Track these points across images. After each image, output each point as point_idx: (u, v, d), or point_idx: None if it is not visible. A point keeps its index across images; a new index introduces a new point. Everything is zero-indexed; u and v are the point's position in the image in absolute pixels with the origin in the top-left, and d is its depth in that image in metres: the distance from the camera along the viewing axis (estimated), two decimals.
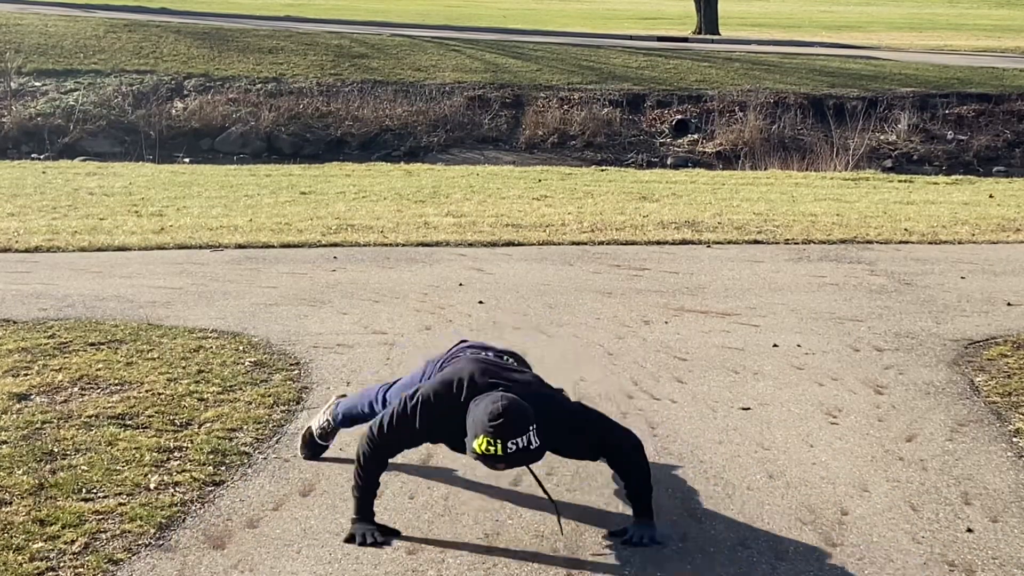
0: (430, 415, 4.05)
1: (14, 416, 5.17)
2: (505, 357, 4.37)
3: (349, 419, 4.73)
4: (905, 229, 10.31)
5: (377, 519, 4.21)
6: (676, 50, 25.37)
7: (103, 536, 4.06)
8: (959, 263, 8.90)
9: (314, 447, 4.82)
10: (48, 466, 4.62)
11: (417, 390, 4.14)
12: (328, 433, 4.79)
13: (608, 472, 4.61)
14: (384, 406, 4.45)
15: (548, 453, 4.02)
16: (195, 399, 5.47)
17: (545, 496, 4.13)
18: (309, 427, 4.85)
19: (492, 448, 3.79)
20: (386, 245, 9.28)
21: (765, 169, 16.77)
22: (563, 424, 4.05)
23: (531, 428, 3.83)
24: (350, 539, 4.05)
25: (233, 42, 23.04)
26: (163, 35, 23.14)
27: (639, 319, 7.11)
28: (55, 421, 5.11)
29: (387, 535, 4.09)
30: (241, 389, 5.64)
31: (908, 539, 4.14)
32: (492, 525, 4.20)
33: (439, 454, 4.85)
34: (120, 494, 4.39)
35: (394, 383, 4.63)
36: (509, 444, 3.79)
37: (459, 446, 4.07)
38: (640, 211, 11.05)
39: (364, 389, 4.93)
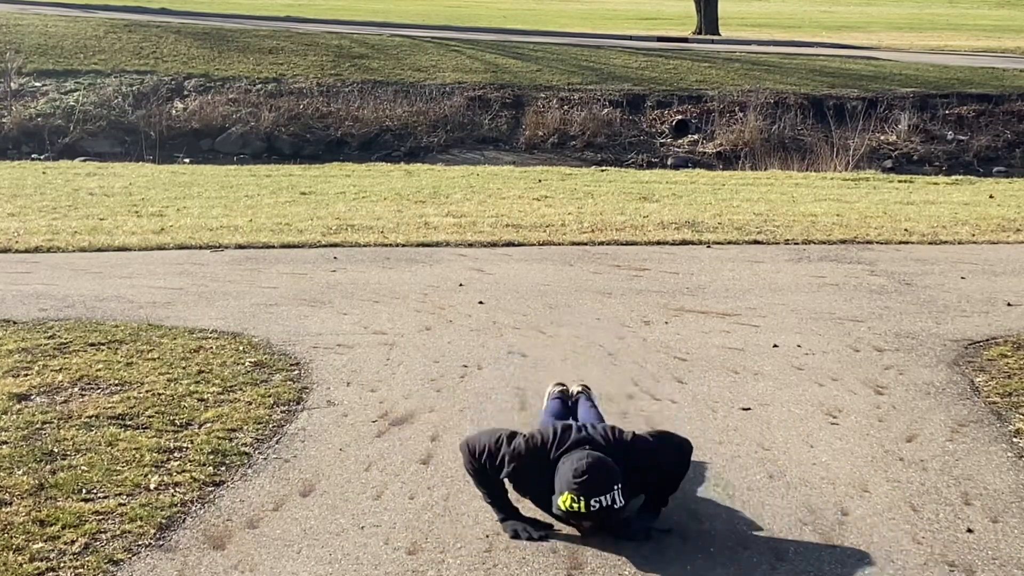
0: (520, 463, 4.08)
1: (14, 416, 5.17)
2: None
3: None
4: (905, 229, 10.31)
5: (377, 520, 4.21)
6: (676, 50, 25.37)
7: (103, 536, 4.06)
8: (959, 263, 8.90)
9: None
10: (48, 466, 4.62)
11: (514, 437, 4.15)
12: None
13: None
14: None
15: None
16: (195, 399, 5.47)
17: None
18: None
19: (576, 505, 3.85)
20: (386, 245, 9.28)
21: (765, 169, 16.76)
22: (646, 467, 4.08)
23: (616, 487, 3.87)
24: (515, 536, 4.08)
25: (233, 42, 23.04)
26: (163, 35, 23.15)
27: (639, 319, 7.11)
28: (55, 421, 5.11)
29: (541, 529, 4.12)
30: (241, 389, 5.64)
31: (908, 539, 4.14)
32: (492, 525, 4.20)
33: (439, 454, 4.85)
34: (120, 494, 4.39)
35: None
36: (592, 502, 3.84)
37: (544, 504, 4.12)
38: (640, 211, 11.05)
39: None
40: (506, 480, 4.18)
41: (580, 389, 5.14)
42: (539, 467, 4.05)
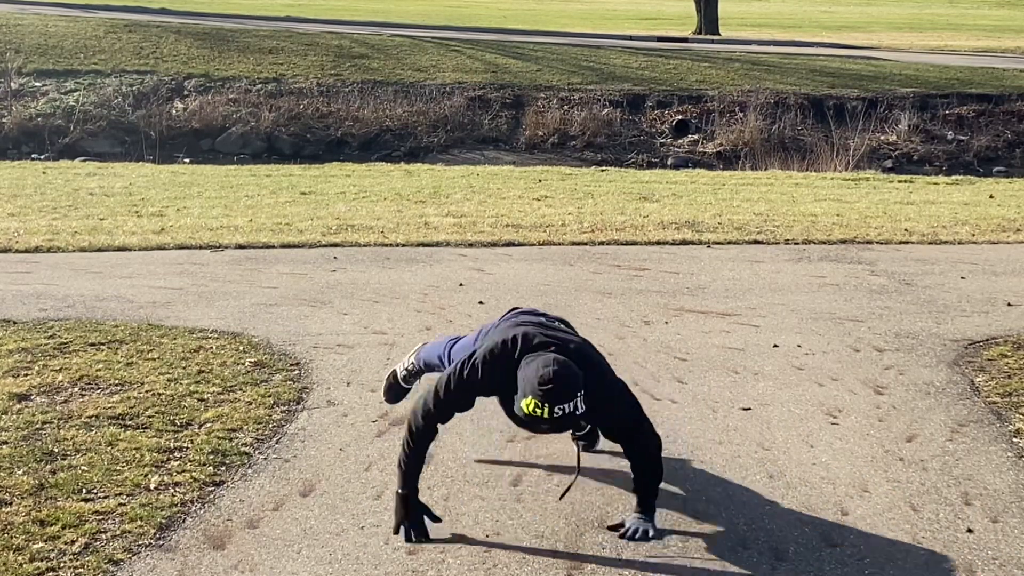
0: (489, 373, 4.10)
1: (14, 416, 5.17)
2: (556, 322, 4.40)
3: (427, 366, 4.85)
4: (905, 229, 10.31)
5: (377, 520, 4.21)
6: (676, 50, 25.37)
7: (103, 536, 4.06)
8: (959, 263, 8.90)
9: (397, 391, 4.93)
10: (48, 466, 4.62)
11: (474, 352, 4.19)
12: (412, 375, 4.89)
13: (608, 471, 4.62)
14: (449, 361, 4.54)
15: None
16: (195, 399, 5.47)
17: (575, 465, 4.23)
18: (394, 370, 4.95)
19: (539, 411, 3.85)
20: (386, 245, 9.28)
21: (765, 169, 16.76)
22: (605, 395, 4.09)
23: (579, 394, 3.88)
24: (397, 531, 4.10)
25: (233, 42, 23.04)
26: (163, 35, 23.14)
27: (639, 319, 7.11)
28: (55, 421, 5.11)
29: (432, 519, 4.14)
30: (241, 389, 5.64)
31: (908, 539, 4.14)
32: (492, 525, 4.20)
33: (440, 453, 4.85)
34: (120, 494, 4.39)
35: (458, 339, 4.72)
36: (556, 409, 3.84)
37: (509, 404, 4.12)
38: (640, 211, 11.05)
39: (437, 338, 4.98)
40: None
41: None
42: (504, 372, 4.05)
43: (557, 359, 3.93)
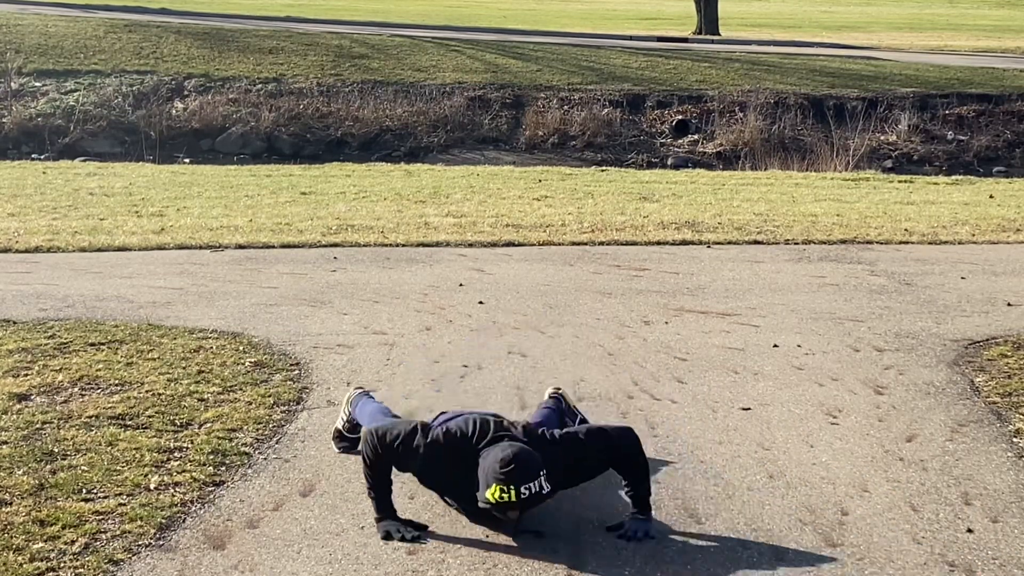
0: (442, 450, 4.11)
1: (14, 416, 5.17)
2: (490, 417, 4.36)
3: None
4: (905, 229, 10.31)
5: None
6: (676, 50, 25.38)
7: (103, 536, 4.06)
8: (959, 263, 8.90)
9: (347, 441, 4.88)
10: (48, 466, 4.62)
11: (429, 428, 4.19)
12: (354, 427, 4.86)
13: (606, 472, 4.61)
14: None
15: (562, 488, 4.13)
16: (195, 399, 5.47)
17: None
18: (336, 428, 4.93)
19: (506, 495, 3.87)
20: (386, 245, 9.28)
21: (765, 169, 16.77)
22: (566, 457, 4.12)
23: (541, 473, 3.92)
24: (387, 537, 4.07)
25: (233, 42, 23.04)
26: (163, 35, 23.15)
27: (639, 319, 7.11)
28: (55, 421, 5.11)
29: (417, 529, 4.12)
30: (241, 389, 5.64)
31: (908, 539, 4.14)
32: (492, 525, 4.20)
33: None
34: (120, 494, 4.39)
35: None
36: (522, 489, 3.87)
37: (455, 495, 4.15)
38: (640, 211, 11.05)
39: (376, 411, 4.86)
40: (407, 473, 4.22)
41: (552, 392, 5.10)
42: (457, 458, 4.07)
43: (512, 444, 3.99)
